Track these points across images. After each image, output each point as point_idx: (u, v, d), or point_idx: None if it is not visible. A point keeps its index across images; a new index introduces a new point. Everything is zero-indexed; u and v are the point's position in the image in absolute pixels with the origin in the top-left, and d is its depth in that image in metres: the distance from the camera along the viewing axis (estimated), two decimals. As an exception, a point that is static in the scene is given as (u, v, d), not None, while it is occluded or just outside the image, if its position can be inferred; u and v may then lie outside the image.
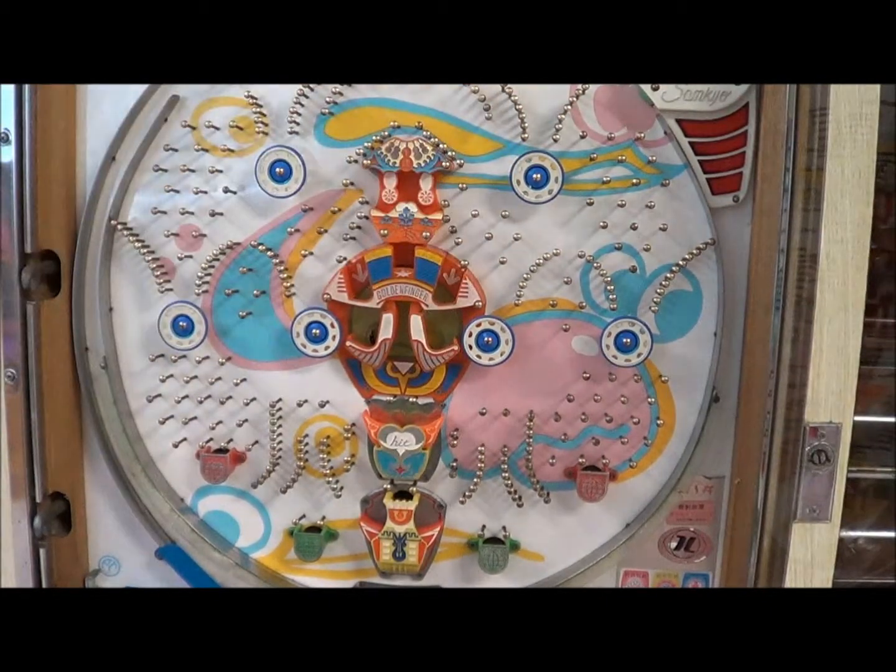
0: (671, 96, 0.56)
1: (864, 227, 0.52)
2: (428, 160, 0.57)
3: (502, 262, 0.60)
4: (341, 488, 0.64)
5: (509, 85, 0.57)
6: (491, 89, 0.58)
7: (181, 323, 0.61)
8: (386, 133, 0.58)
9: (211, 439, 0.64)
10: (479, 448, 0.62)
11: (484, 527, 0.65)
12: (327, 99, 0.59)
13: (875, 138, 0.51)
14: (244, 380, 0.63)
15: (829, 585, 0.56)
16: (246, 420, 0.64)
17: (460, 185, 0.59)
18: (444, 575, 0.66)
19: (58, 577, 0.63)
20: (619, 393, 0.61)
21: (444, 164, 0.58)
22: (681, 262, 0.59)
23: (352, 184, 0.60)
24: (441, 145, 0.58)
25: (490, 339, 0.59)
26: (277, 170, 0.58)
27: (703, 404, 0.62)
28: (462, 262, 0.59)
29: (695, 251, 0.59)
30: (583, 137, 0.59)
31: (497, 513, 0.65)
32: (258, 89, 0.59)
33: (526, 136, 0.58)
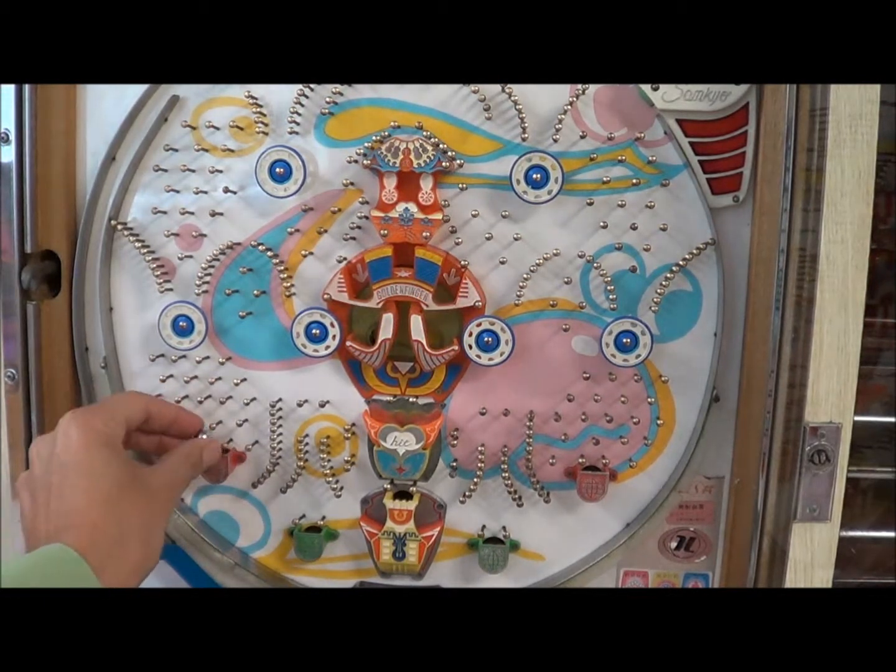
0: (671, 96, 0.56)
1: (863, 227, 0.52)
2: (428, 160, 0.57)
3: (502, 262, 0.60)
4: (341, 488, 0.64)
5: (509, 85, 0.57)
6: (491, 89, 0.58)
7: (181, 323, 0.61)
8: (386, 133, 0.58)
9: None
10: (479, 448, 0.62)
11: (484, 527, 0.65)
12: (327, 99, 0.59)
13: (875, 138, 0.51)
14: (244, 380, 0.63)
15: (829, 585, 0.56)
16: (246, 420, 0.64)
17: (460, 185, 0.59)
18: (444, 575, 0.66)
19: (58, 577, 0.63)
20: (619, 393, 0.62)
21: (444, 164, 0.58)
22: (681, 262, 0.59)
23: (352, 184, 0.60)
24: (441, 145, 0.58)
25: (490, 339, 0.59)
26: (277, 170, 0.58)
27: (703, 404, 0.62)
28: (462, 262, 0.59)
29: (695, 251, 0.59)
30: (583, 137, 0.59)
31: (497, 513, 0.65)
32: (258, 89, 0.59)
33: (526, 136, 0.58)
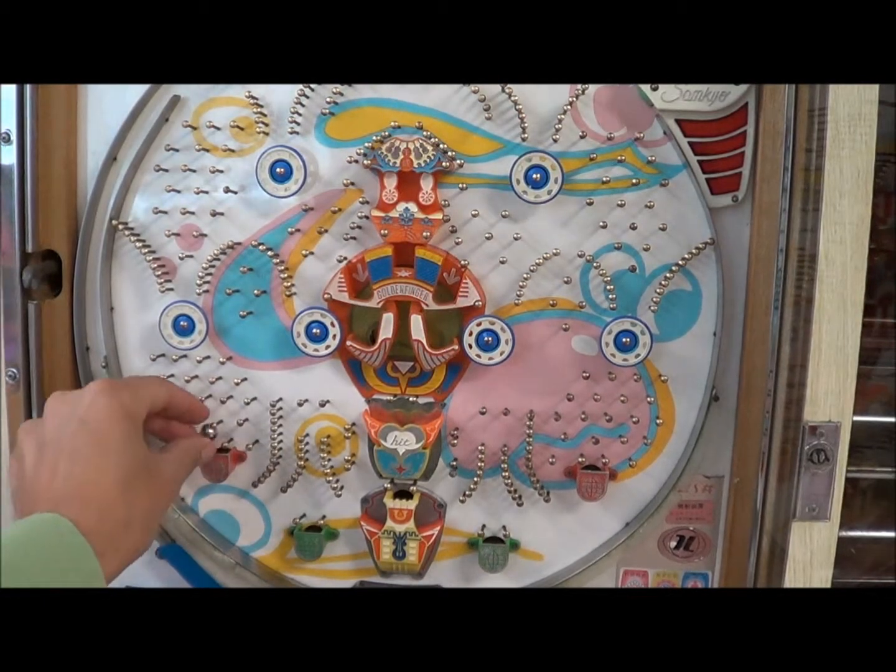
0: (670, 96, 0.57)
1: (862, 227, 0.52)
2: (428, 160, 0.58)
3: (502, 262, 0.60)
4: (341, 488, 0.64)
5: (509, 85, 0.57)
6: (491, 89, 0.58)
7: (182, 323, 0.61)
8: (386, 133, 0.58)
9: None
10: (479, 447, 0.62)
11: (484, 526, 0.65)
12: (327, 99, 0.59)
13: (874, 138, 0.51)
14: (245, 379, 0.64)
15: (829, 585, 0.56)
16: (246, 419, 0.64)
17: (460, 185, 0.59)
18: (444, 574, 0.66)
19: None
20: (618, 392, 0.62)
21: (444, 164, 0.58)
22: (680, 262, 0.59)
23: (352, 184, 0.60)
24: (441, 145, 0.58)
25: (490, 338, 0.59)
26: (278, 170, 0.58)
27: (703, 404, 0.62)
28: (462, 262, 0.59)
29: (694, 251, 0.59)
30: (582, 137, 0.59)
31: (497, 512, 0.65)
32: (258, 89, 0.59)
33: (526, 136, 0.58)
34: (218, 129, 0.60)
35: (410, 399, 0.62)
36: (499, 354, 0.59)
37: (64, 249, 0.61)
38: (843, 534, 0.56)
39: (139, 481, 0.50)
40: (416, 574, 0.63)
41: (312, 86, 0.58)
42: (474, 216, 0.59)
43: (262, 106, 0.59)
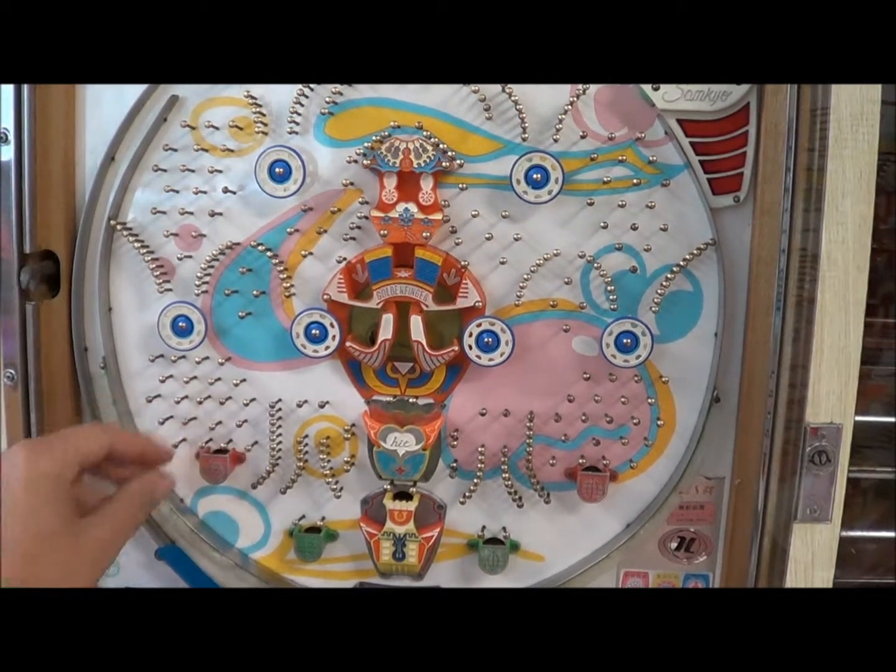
0: (672, 96, 0.56)
1: (865, 227, 0.52)
2: (428, 160, 0.57)
3: (502, 263, 0.60)
4: (341, 489, 0.64)
5: (509, 85, 0.57)
6: (491, 89, 0.58)
7: (181, 323, 0.61)
8: (386, 133, 0.58)
9: (210, 440, 0.64)
10: (479, 449, 0.62)
11: (484, 527, 0.65)
12: (327, 99, 0.59)
13: (876, 138, 0.51)
14: (244, 380, 0.63)
15: (830, 586, 0.56)
16: (246, 420, 0.64)
17: (460, 185, 0.59)
18: (444, 575, 0.66)
19: (57, 578, 0.63)
20: (619, 393, 0.61)
21: (444, 164, 0.57)
22: (681, 263, 0.59)
23: (352, 184, 0.59)
24: (441, 145, 0.58)
25: (490, 339, 0.59)
26: (277, 170, 0.58)
27: (704, 405, 0.62)
28: (462, 263, 0.59)
29: (695, 251, 0.59)
30: (583, 137, 0.59)
31: (497, 513, 0.64)
32: (257, 89, 0.59)
33: (526, 136, 0.58)
34: (217, 128, 0.60)
35: (410, 400, 0.62)
36: (499, 355, 0.59)
37: (62, 250, 0.61)
38: (844, 533, 0.56)
39: (49, 551, 0.45)
40: (416, 575, 0.63)
41: (312, 85, 0.58)
42: (474, 216, 0.59)
43: (261, 106, 0.59)
